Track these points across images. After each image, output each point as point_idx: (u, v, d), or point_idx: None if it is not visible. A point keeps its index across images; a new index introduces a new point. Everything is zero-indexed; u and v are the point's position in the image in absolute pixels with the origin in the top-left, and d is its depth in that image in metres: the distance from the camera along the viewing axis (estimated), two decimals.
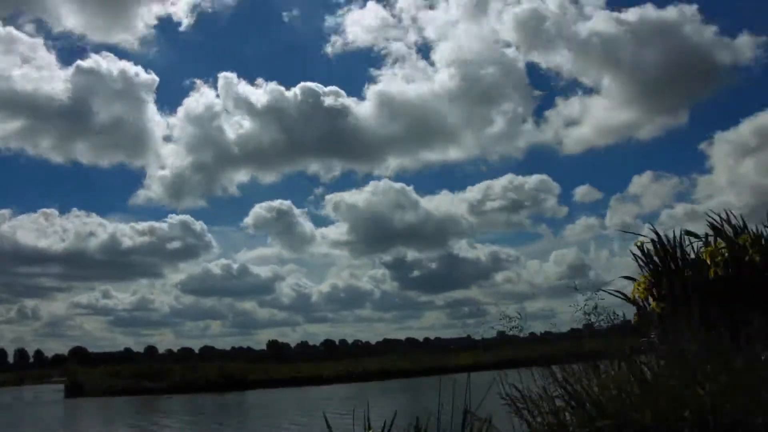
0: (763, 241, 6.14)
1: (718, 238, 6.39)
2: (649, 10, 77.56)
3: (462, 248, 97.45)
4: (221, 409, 30.02)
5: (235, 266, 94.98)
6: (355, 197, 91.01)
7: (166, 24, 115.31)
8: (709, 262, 6.02)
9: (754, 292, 5.70)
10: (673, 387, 4.24)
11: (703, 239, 6.51)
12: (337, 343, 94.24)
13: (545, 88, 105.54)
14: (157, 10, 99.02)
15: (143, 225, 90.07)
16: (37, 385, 63.36)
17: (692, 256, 6.44)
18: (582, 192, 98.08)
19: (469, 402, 5.15)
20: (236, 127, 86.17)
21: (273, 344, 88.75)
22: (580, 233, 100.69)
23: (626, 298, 6.66)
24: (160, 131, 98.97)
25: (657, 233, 6.54)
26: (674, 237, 6.52)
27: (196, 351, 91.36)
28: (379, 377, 42.51)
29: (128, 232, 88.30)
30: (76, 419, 29.48)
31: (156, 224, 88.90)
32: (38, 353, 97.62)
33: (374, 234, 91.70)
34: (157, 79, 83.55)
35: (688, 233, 6.57)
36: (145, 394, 38.34)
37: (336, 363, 49.67)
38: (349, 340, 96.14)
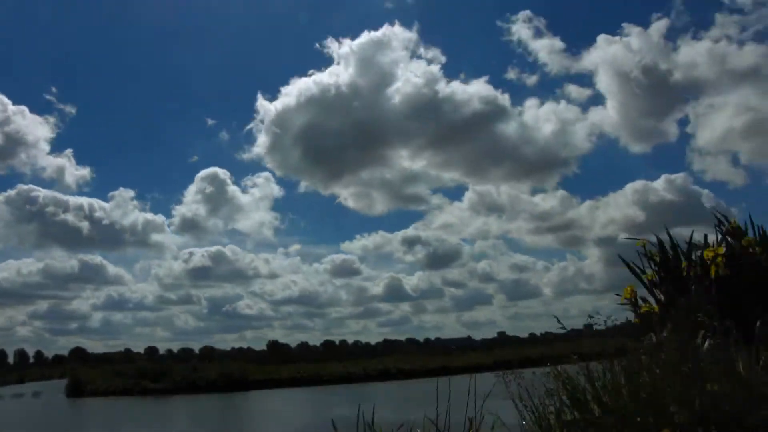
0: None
1: (720, 238, 6.37)
2: None
3: None
4: (222, 409, 30.00)
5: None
6: None
7: None
8: (710, 261, 6.00)
9: (756, 293, 5.69)
10: (673, 387, 4.24)
11: (704, 239, 6.50)
12: (337, 343, 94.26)
13: None
14: None
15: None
16: (37, 381, 63.41)
17: (695, 255, 6.42)
18: None
19: (473, 403, 5.16)
20: None
21: (273, 345, 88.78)
22: None
23: (626, 298, 6.64)
24: None
25: (661, 236, 6.52)
26: (676, 237, 6.50)
27: (197, 351, 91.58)
28: (380, 378, 42.46)
29: None
30: (78, 419, 29.45)
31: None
32: (38, 353, 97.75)
33: None
34: None
35: (691, 233, 6.56)
36: (147, 395, 38.34)
37: (336, 364, 49.57)
38: (350, 341, 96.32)
